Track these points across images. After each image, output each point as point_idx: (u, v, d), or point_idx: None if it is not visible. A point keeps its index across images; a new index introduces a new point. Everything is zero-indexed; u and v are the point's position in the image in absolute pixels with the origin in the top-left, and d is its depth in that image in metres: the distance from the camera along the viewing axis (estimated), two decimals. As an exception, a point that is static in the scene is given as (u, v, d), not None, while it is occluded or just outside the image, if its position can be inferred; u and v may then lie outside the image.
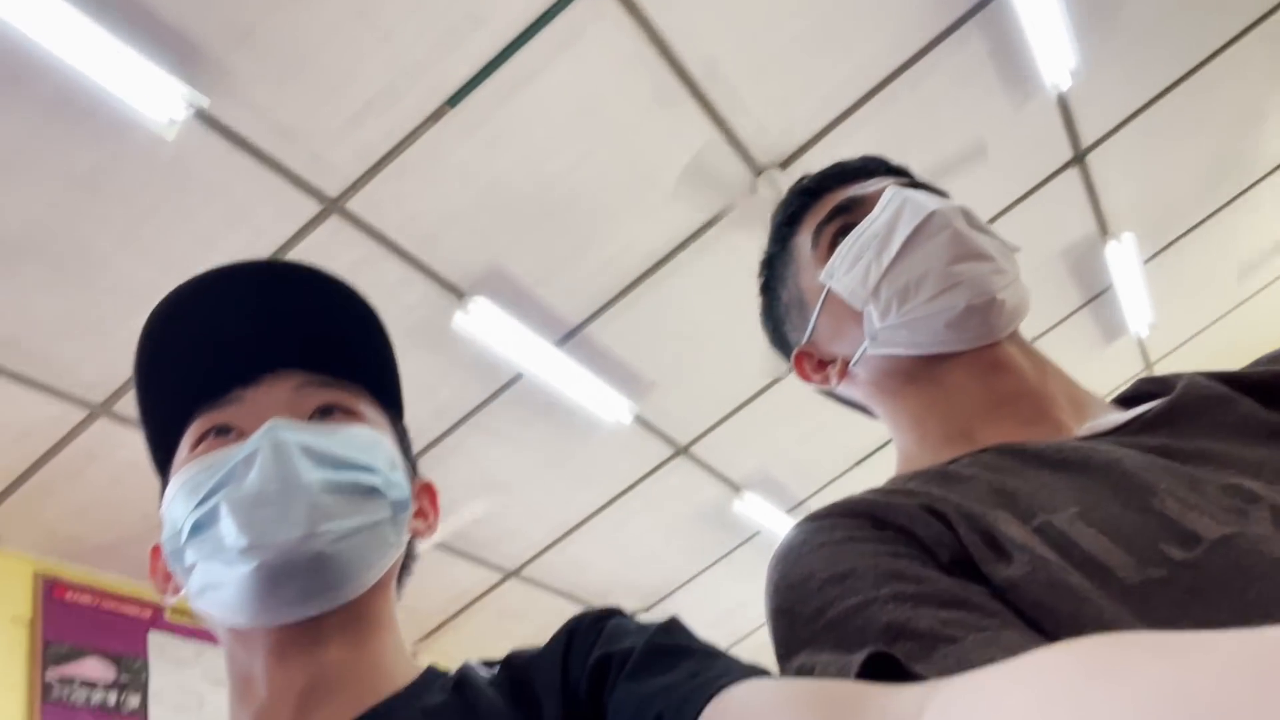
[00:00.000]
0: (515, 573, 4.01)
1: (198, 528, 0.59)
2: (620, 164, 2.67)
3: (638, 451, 3.70)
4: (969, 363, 0.71)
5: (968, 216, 0.72)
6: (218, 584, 0.58)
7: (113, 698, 2.90)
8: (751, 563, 4.28)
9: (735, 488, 4.07)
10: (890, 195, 0.73)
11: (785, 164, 2.87)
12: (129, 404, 2.62)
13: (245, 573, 0.56)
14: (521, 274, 2.86)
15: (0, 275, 2.26)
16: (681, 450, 3.77)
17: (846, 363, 0.77)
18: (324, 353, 0.65)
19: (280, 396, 0.63)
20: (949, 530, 0.56)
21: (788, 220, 0.82)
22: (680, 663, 0.50)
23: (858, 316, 0.74)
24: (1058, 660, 0.28)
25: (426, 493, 0.72)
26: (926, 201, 0.72)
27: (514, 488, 3.62)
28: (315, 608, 0.59)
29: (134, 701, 2.95)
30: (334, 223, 2.48)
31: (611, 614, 0.59)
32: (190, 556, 0.59)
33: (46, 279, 2.32)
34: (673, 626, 0.54)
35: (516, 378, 3.16)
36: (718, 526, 4.21)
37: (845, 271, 0.74)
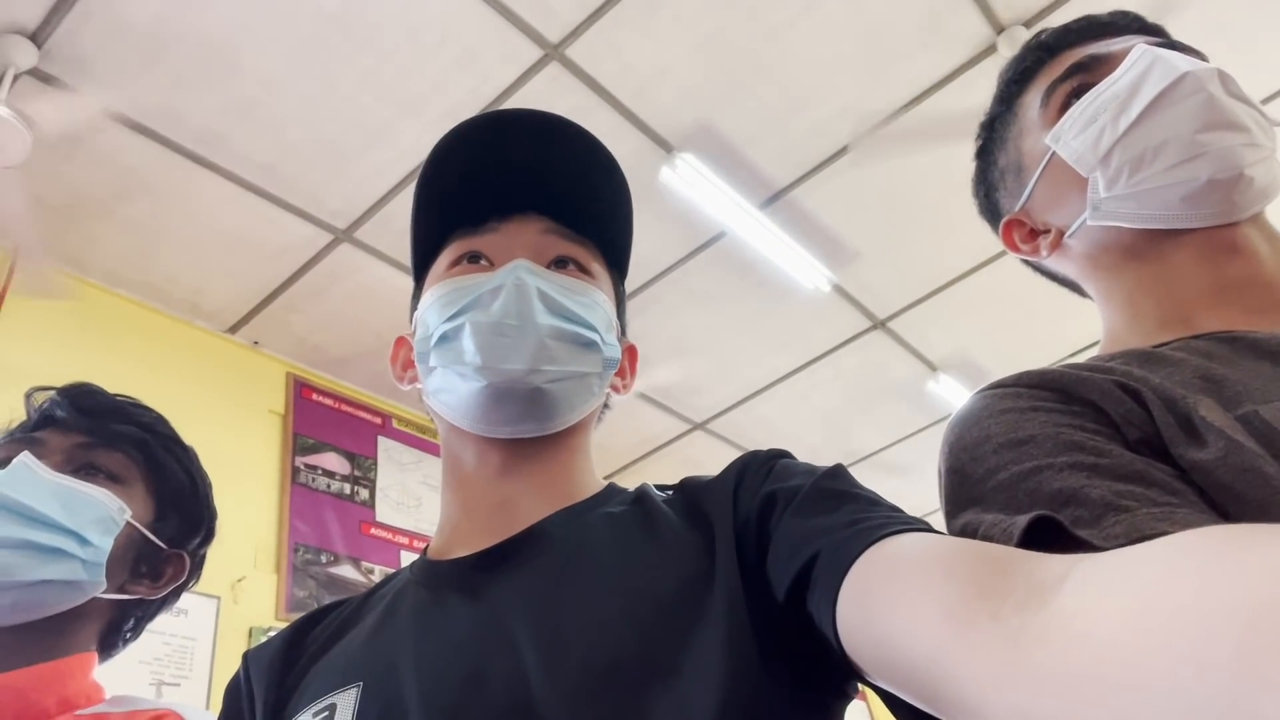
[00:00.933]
0: (701, 425, 4.15)
1: (444, 339, 0.67)
2: (849, 17, 2.52)
3: (833, 321, 3.66)
4: (1201, 242, 0.64)
5: (1225, 82, 0.64)
6: (451, 390, 0.67)
7: (347, 488, 3.33)
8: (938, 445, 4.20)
9: (931, 368, 3.95)
10: (1139, 54, 0.66)
11: (1030, 22, 2.61)
12: (368, 232, 2.89)
13: (475, 388, 0.65)
14: (731, 131, 2.81)
15: (261, 105, 2.50)
16: (879, 324, 3.68)
17: (1062, 233, 0.72)
18: (572, 206, 0.71)
19: (527, 238, 0.70)
20: (1141, 409, 0.54)
21: (1017, 78, 0.76)
22: (844, 506, 0.52)
23: (1082, 184, 0.68)
24: (1204, 539, 0.28)
25: (629, 353, 0.78)
26: (1180, 62, 0.64)
27: (706, 345, 3.70)
28: (525, 431, 0.66)
29: (364, 494, 3.37)
30: (553, 69, 2.53)
31: (782, 454, 0.62)
32: (434, 360, 0.68)
33: (299, 113, 2.54)
34: (839, 472, 0.56)
35: (718, 236, 3.17)
36: (908, 405, 4.13)
37: (1075, 135, 0.68)
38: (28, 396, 0.87)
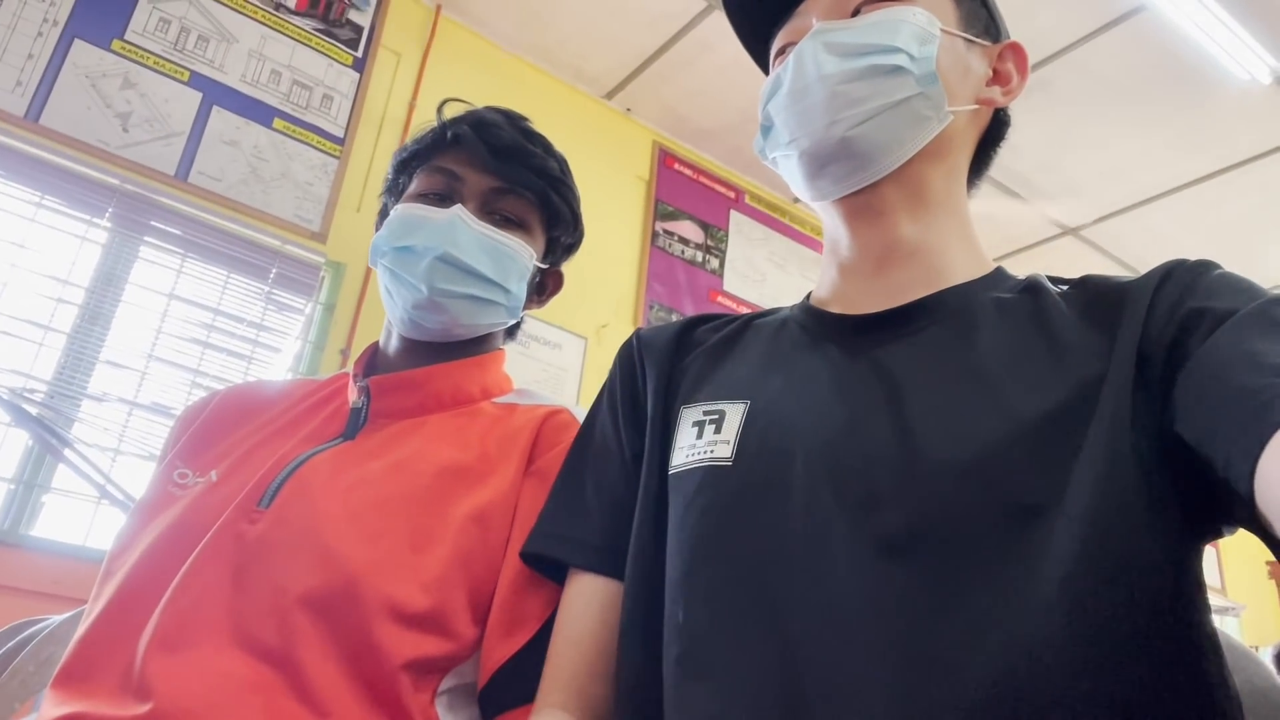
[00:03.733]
0: (1074, 230, 3.76)
1: (765, 130, 0.71)
2: None
3: (1269, 120, 3.04)
4: None
5: None
6: (789, 168, 0.70)
7: (699, 256, 3.53)
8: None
9: (1398, 188, 3.19)
10: None
11: None
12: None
13: (795, 160, 0.68)
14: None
15: None
16: (1334, 128, 3.01)
17: None
18: None
19: (826, 2, 0.70)
20: None
21: None
22: None
23: None
24: None
25: (1011, 53, 0.72)
26: None
27: (1097, 141, 3.27)
28: (858, 181, 0.66)
29: (714, 263, 3.55)
30: None
31: (1214, 266, 0.55)
32: (769, 151, 0.72)
33: None
34: None
35: (1134, 11, 2.70)
36: (1352, 231, 3.41)
37: None
38: (439, 108, 0.96)
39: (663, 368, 0.73)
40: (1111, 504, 0.48)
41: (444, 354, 0.92)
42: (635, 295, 3.27)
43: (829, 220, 0.71)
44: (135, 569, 0.74)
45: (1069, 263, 3.85)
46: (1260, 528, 0.46)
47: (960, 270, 0.66)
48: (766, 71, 0.78)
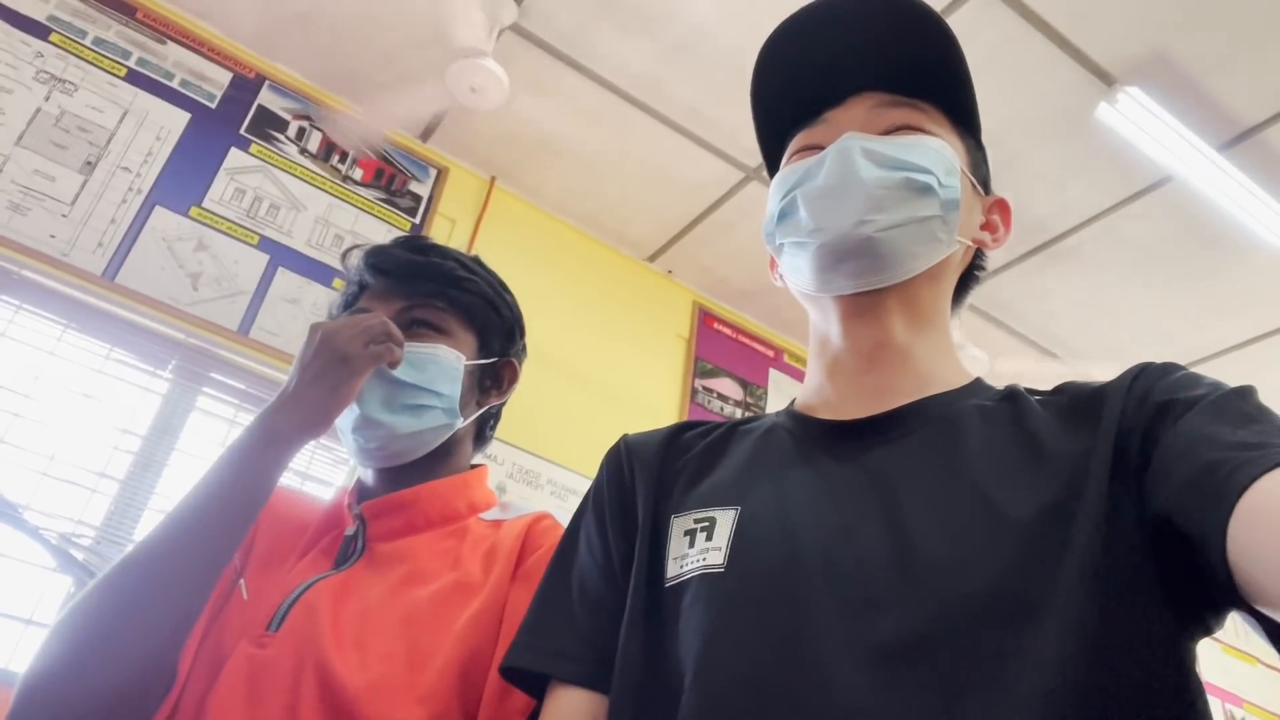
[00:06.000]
0: (1117, 392, 3.75)
1: (783, 215, 0.72)
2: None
3: (1307, 286, 3.06)
4: None
5: None
6: (796, 260, 0.71)
7: (738, 412, 3.54)
8: None
9: None
10: None
11: None
12: (776, 171, 3.00)
13: (812, 249, 0.69)
14: (1189, 61, 2.44)
15: (691, 51, 2.69)
16: (1374, 293, 3.01)
17: None
18: (902, 74, 0.72)
19: (859, 115, 0.72)
20: None
21: None
22: (1252, 425, 0.48)
23: None
24: None
25: (999, 208, 0.77)
26: None
27: (1133, 306, 3.31)
28: (867, 284, 0.68)
29: (753, 421, 3.58)
30: None
31: (1181, 367, 0.58)
32: (779, 237, 0.73)
33: (725, 57, 2.69)
34: (1249, 392, 0.53)
35: (1162, 181, 2.79)
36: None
37: None
38: (342, 257, 1.03)
39: (652, 474, 0.73)
40: (1104, 602, 0.49)
41: (423, 473, 0.95)
42: (674, 451, 3.28)
43: (822, 317, 0.73)
44: (183, 682, 0.79)
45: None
46: (1248, 608, 0.46)
47: (944, 379, 0.68)
48: (770, 165, 0.81)
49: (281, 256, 2.69)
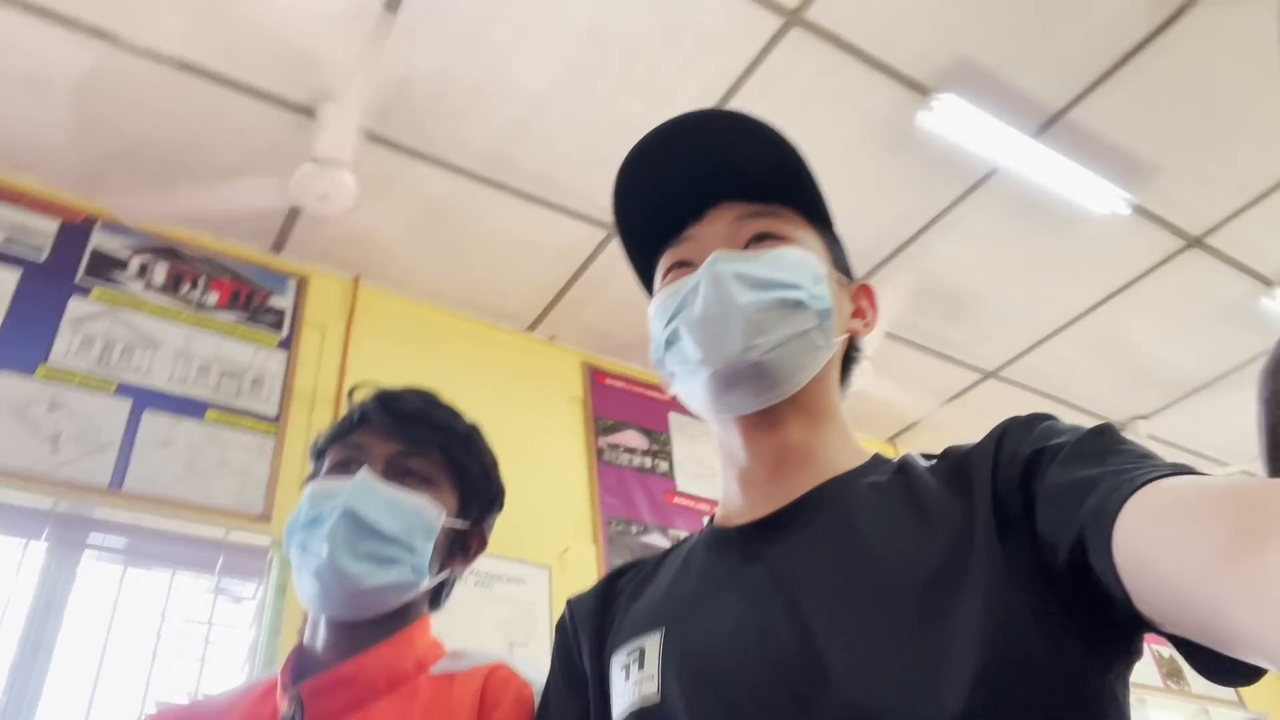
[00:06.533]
0: (993, 373, 3.94)
1: (669, 343, 0.75)
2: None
3: (1136, 245, 3.31)
4: None
5: None
6: (689, 387, 0.74)
7: (648, 462, 3.55)
8: None
9: (1266, 282, 3.44)
10: None
11: None
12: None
13: (704, 379, 0.71)
14: (992, 61, 2.63)
15: (532, 124, 2.74)
16: (1194, 242, 3.27)
17: None
18: (754, 183, 0.76)
19: (721, 230, 0.76)
20: None
21: None
22: (1110, 459, 0.52)
23: None
24: None
25: (864, 294, 0.81)
26: None
27: (990, 290, 3.50)
28: (763, 403, 0.72)
29: (664, 466, 3.57)
30: (795, 35, 2.52)
31: (1045, 417, 0.62)
32: (669, 365, 0.76)
33: (566, 125, 2.74)
34: (1106, 429, 0.56)
35: (989, 175, 2.99)
36: (1239, 327, 3.64)
37: None
38: (349, 394, 1.01)
39: (594, 628, 0.76)
40: (1007, 652, 0.51)
41: (370, 636, 0.90)
42: (591, 514, 3.26)
43: (724, 433, 0.76)
44: None
45: (997, 403, 3.99)
46: (1155, 629, 0.48)
47: (841, 463, 0.72)
48: (646, 282, 0.84)
49: (145, 399, 2.56)
